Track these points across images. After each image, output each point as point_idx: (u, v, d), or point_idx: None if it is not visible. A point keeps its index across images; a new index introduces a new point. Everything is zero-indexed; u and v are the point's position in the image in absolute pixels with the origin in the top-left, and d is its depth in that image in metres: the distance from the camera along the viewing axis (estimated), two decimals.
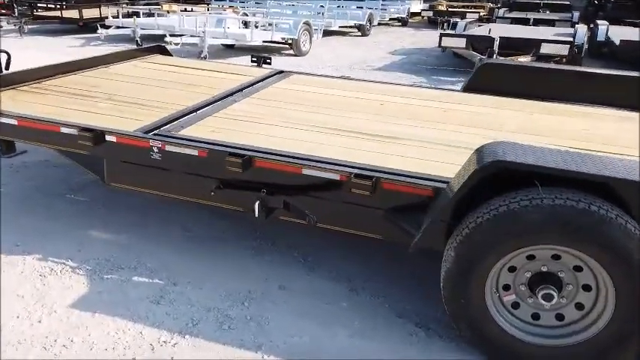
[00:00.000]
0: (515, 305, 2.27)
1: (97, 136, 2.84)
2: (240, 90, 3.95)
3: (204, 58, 9.72)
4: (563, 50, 8.71)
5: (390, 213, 2.49)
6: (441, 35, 9.50)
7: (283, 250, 3.26)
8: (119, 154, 2.91)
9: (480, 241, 2.12)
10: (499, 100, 3.91)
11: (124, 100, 3.52)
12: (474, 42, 9.20)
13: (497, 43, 8.50)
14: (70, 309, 2.66)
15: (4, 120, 3.06)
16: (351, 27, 15.36)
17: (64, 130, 2.93)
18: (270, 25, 11.14)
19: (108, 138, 2.86)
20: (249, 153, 2.64)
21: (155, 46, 5.11)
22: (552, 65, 4.15)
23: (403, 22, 18.55)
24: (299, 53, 11.25)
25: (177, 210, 3.61)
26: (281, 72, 4.64)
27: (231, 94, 3.82)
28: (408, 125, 3.27)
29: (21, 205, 3.69)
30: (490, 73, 4.21)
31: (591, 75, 4.03)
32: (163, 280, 2.91)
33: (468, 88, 4.26)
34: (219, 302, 2.75)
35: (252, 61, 5.03)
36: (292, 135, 3.00)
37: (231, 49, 11.45)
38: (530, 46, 8.88)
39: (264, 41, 10.69)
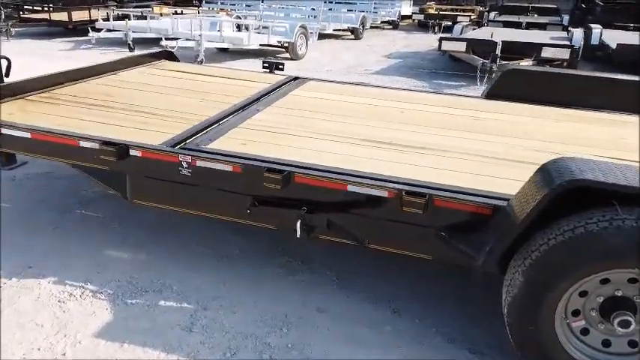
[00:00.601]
0: (585, 332, 2.13)
1: (121, 150, 2.64)
2: (259, 98, 3.77)
3: (201, 62, 9.50)
4: (565, 54, 8.68)
5: (443, 232, 2.34)
6: (441, 39, 9.41)
7: (314, 268, 3.09)
8: (144, 170, 2.71)
9: (553, 264, 1.97)
10: (525, 108, 3.79)
11: (141, 110, 3.31)
12: (475, 46, 9.12)
13: (500, 47, 8.42)
14: (96, 339, 2.45)
15: (16, 133, 2.84)
16: (344, 30, 15.26)
17: (83, 144, 2.72)
18: (264, 28, 10.96)
19: (132, 152, 2.66)
20: (288, 169, 2.47)
21: (162, 51, 4.91)
22: (576, 71, 4.04)
23: (394, 25, 18.51)
24: (295, 57, 11.09)
25: (191, 224, 3.41)
26: (296, 78, 4.47)
27: (251, 102, 3.64)
28: (440, 135, 3.12)
29: (29, 222, 3.46)
30: (514, 79, 4.10)
31: (615, 81, 3.94)
32: (192, 304, 2.72)
33: (490, 95, 4.15)
34: (256, 328, 2.57)
35: (264, 67, 4.85)
36: (325, 147, 2.83)
37: (225, 53, 11.23)
38: (531, 50, 8.83)
39: (260, 45, 10.51)
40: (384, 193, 2.37)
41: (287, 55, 11.20)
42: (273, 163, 2.53)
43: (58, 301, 2.70)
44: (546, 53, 8.79)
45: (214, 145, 2.78)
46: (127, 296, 2.75)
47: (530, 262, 2.02)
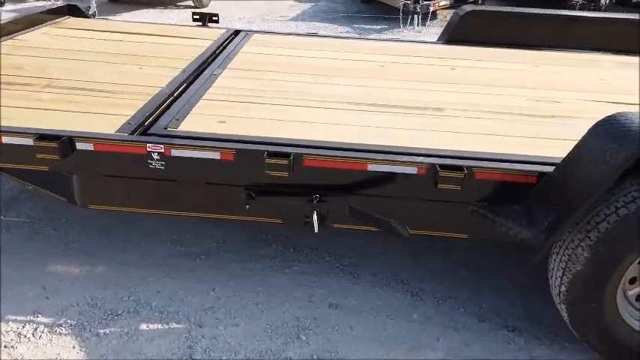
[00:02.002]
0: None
1: (65, 145, 2.01)
2: (208, 60, 3.17)
3: (93, 15, 8.25)
4: None
5: (481, 207, 2.05)
6: None
7: (310, 255, 2.70)
8: (99, 167, 2.10)
9: (625, 236, 1.77)
10: (499, 53, 3.57)
11: (69, 86, 2.60)
12: None
13: None
14: None
15: None
16: None
17: (8, 139, 2.04)
18: None
19: (81, 146, 2.04)
20: (294, 150, 2.01)
21: (64, 5, 4.00)
22: (541, 11, 3.86)
23: None
24: (200, 5, 10.05)
25: (144, 216, 2.84)
26: (237, 32, 3.86)
27: (201, 66, 3.05)
28: (438, 91, 2.79)
29: None
30: (474, 22, 3.84)
31: (580, 19, 3.83)
32: (183, 323, 2.24)
33: (450, 40, 3.88)
34: (269, 341, 2.17)
35: (195, 20, 4.15)
36: (320, 117, 2.40)
37: (117, 3, 9.89)
38: None
39: None
40: (413, 170, 2.01)
41: (189, 2, 10.15)
42: (274, 144, 2.05)
43: (4, 347, 2.08)
44: None
45: (186, 127, 2.22)
46: (96, 324, 2.20)
47: (597, 236, 1.80)
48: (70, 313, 2.25)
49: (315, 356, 2.10)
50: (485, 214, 2.05)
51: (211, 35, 3.73)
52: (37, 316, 2.23)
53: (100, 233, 2.79)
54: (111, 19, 4.06)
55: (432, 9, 8.37)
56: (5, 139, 2.04)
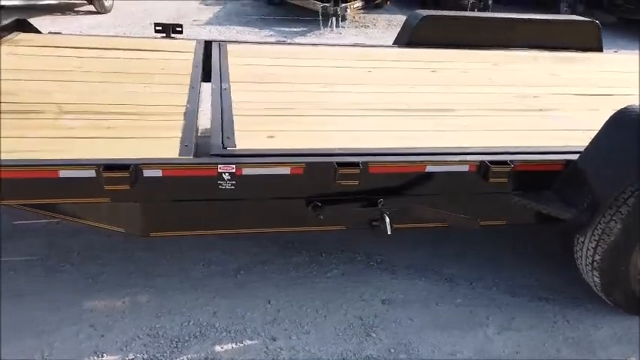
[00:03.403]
0: None
1: (133, 173, 1.94)
2: (205, 74, 3.15)
3: None
4: None
5: (522, 196, 2.33)
6: None
7: (341, 257, 2.82)
8: (166, 193, 2.05)
9: None
10: (461, 54, 3.92)
11: (87, 110, 2.44)
12: None
13: None
14: None
15: None
16: None
17: (67, 173, 1.91)
18: None
19: (148, 173, 1.97)
20: (361, 159, 2.13)
21: (14, 21, 3.64)
22: (492, 14, 4.31)
23: None
24: (102, 9, 9.49)
25: (169, 242, 2.77)
26: (209, 42, 3.82)
27: (202, 81, 3.02)
28: (438, 93, 3.05)
29: None
30: (432, 26, 4.18)
31: (528, 20, 4.31)
32: (255, 339, 2.26)
33: (409, 43, 4.18)
34: (344, 343, 2.27)
35: (157, 31, 4.01)
36: (358, 125, 2.53)
37: (13, 10, 8.96)
38: None
39: None
40: (465, 168, 2.23)
41: (90, 7, 9.54)
42: (342, 155, 2.15)
43: None
44: None
45: (241, 144, 2.23)
46: (169, 354, 2.14)
47: (627, 210, 2.15)
48: (136, 348, 2.16)
49: (392, 350, 2.25)
50: (527, 202, 2.33)
51: (186, 47, 3.67)
52: (103, 356, 2.11)
53: (124, 262, 2.67)
54: (65, 35, 3.77)
55: (349, 12, 8.73)
56: (64, 173, 1.91)
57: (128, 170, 1.91)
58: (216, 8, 10.71)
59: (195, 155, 2.10)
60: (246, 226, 2.26)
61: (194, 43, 3.76)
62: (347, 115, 2.62)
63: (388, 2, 9.50)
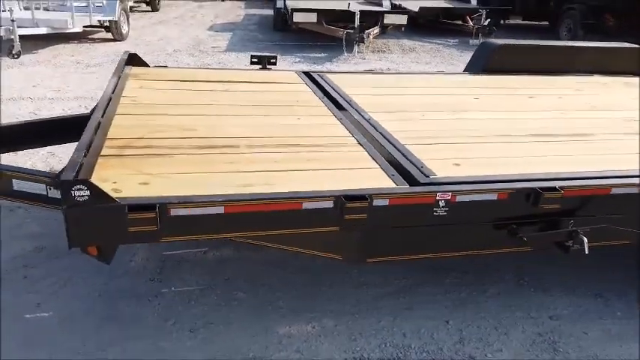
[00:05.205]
0: None
1: (369, 203, 2.03)
2: (329, 104, 3.27)
3: (18, 54, 7.36)
4: (403, 20, 9.56)
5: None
6: (292, 10, 9.22)
7: (489, 276, 2.94)
8: (387, 220, 2.14)
9: None
10: (542, 80, 4.15)
11: (270, 143, 2.48)
12: (328, 16, 9.26)
13: (359, 16, 8.72)
14: None
15: (198, 211, 1.88)
16: (137, 2, 13.61)
17: (311, 205, 1.99)
18: (62, 5, 8.96)
19: (377, 202, 2.07)
20: (558, 184, 2.28)
21: (127, 55, 3.67)
22: (556, 43, 4.58)
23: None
24: (119, 37, 9.50)
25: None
26: (307, 73, 3.94)
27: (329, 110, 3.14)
28: (561, 119, 3.24)
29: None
30: (507, 54, 4.42)
31: (588, 48, 4.61)
32: (455, 358, 2.34)
33: (484, 70, 4.41)
34: (537, 358, 2.38)
35: (253, 63, 4.11)
36: (526, 151, 2.68)
37: (37, 40, 8.76)
38: (376, 17, 9.46)
39: (84, 26, 8.65)
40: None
41: (108, 35, 9.52)
42: (541, 180, 2.30)
43: None
44: (388, 20, 9.53)
45: (440, 173, 2.34)
46: None
47: None
48: None
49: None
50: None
51: (292, 78, 3.80)
52: None
53: (288, 286, 2.72)
54: (171, 67, 3.81)
55: (370, 38, 9.01)
56: (308, 205, 1.99)
57: (367, 200, 2.01)
58: (227, 35, 10.85)
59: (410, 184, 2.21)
60: (452, 250, 2.36)
61: (294, 75, 3.88)
62: (505, 142, 2.78)
63: (403, 28, 9.82)
